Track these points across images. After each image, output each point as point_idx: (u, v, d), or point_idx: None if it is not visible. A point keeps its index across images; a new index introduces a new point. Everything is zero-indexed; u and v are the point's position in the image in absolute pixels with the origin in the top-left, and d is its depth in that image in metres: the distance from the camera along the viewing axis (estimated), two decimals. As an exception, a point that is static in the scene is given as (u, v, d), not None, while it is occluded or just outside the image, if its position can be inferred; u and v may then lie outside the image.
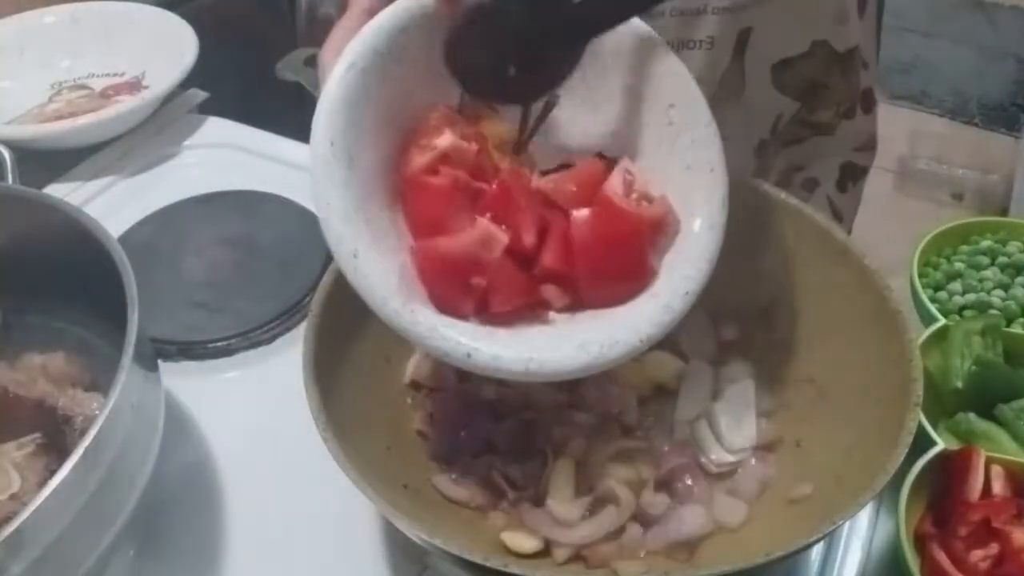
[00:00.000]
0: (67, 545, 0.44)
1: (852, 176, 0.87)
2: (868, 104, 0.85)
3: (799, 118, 0.80)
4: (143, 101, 0.88)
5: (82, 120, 0.86)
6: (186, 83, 0.92)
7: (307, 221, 0.78)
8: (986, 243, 0.72)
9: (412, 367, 0.61)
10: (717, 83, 0.74)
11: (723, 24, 0.71)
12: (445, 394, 0.59)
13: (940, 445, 0.57)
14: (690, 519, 0.53)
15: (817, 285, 0.59)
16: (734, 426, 0.58)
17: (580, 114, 0.53)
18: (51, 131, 0.86)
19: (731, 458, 0.56)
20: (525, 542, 0.53)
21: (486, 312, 0.48)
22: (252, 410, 0.66)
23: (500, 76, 0.49)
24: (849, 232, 0.86)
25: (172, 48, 0.92)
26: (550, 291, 0.50)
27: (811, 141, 0.82)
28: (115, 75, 0.97)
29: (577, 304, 0.50)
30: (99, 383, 0.59)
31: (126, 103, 0.88)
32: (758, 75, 0.75)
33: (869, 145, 0.88)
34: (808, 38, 0.75)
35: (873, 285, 0.55)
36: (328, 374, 0.52)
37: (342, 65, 0.47)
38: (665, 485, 0.55)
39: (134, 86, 0.95)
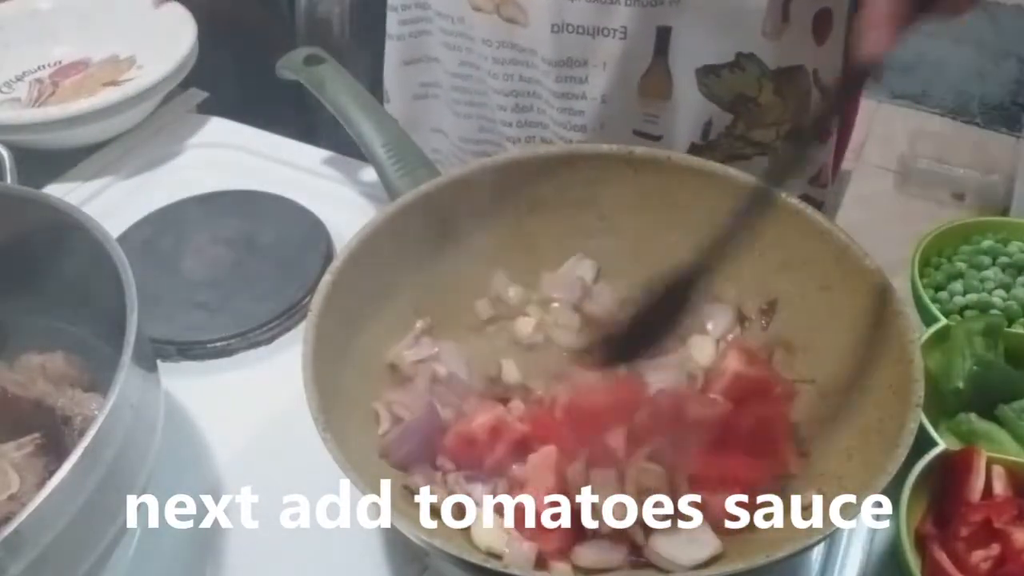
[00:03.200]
0: (66, 545, 0.44)
1: None
2: (822, 133, 0.82)
3: (736, 133, 0.78)
4: (139, 88, 0.84)
5: (81, 104, 0.82)
6: (186, 83, 0.92)
7: (307, 221, 0.78)
8: (987, 243, 0.72)
9: (395, 352, 0.60)
10: (640, 79, 0.75)
11: (637, 17, 0.72)
12: (412, 390, 0.59)
13: (941, 445, 0.57)
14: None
15: (817, 285, 0.59)
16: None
17: None
18: (51, 117, 0.82)
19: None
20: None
21: None
22: (251, 410, 0.66)
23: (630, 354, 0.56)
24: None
25: (167, 35, 0.90)
26: None
27: (756, 160, 0.80)
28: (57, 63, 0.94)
29: None
30: (98, 383, 0.59)
31: (124, 90, 0.84)
32: (685, 78, 0.75)
33: (823, 180, 0.84)
34: (732, 48, 0.74)
35: (874, 285, 0.55)
36: (328, 374, 0.52)
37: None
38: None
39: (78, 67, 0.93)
